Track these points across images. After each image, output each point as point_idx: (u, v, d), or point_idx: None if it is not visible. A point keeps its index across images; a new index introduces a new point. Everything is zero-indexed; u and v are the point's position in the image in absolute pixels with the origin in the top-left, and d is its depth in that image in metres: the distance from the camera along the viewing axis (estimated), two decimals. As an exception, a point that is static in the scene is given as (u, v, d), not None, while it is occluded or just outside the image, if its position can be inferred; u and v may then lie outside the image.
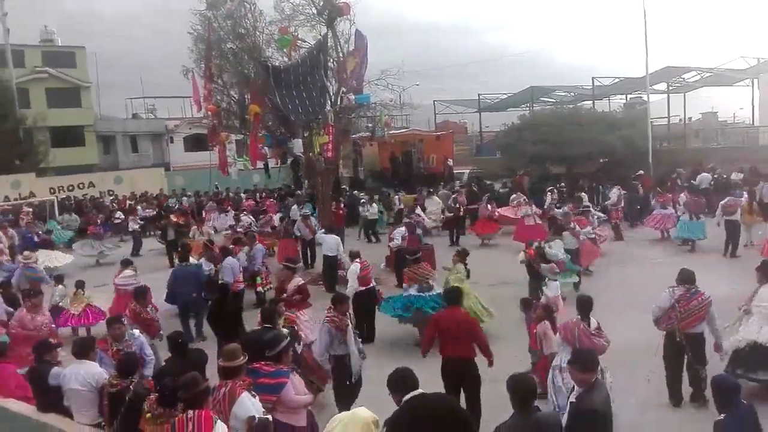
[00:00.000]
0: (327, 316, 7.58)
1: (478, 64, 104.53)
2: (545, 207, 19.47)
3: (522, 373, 4.69)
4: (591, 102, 36.88)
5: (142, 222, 23.41)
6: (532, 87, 36.78)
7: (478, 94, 41.82)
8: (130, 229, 22.41)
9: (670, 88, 35.33)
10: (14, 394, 6.88)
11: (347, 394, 7.38)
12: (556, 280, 9.90)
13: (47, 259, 16.40)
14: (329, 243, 14.57)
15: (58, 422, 6.16)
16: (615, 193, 19.82)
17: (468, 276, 10.68)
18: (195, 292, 11.53)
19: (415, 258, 10.91)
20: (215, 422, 4.80)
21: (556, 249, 11.66)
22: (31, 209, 26.26)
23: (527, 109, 38.72)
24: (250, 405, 5.14)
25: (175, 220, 19.79)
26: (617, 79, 35.63)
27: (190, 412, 4.81)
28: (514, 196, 20.82)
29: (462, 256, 10.91)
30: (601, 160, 28.12)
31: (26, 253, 14.05)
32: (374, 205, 21.83)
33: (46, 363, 6.65)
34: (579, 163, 27.39)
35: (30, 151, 35.42)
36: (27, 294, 9.51)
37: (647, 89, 29.44)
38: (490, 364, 6.94)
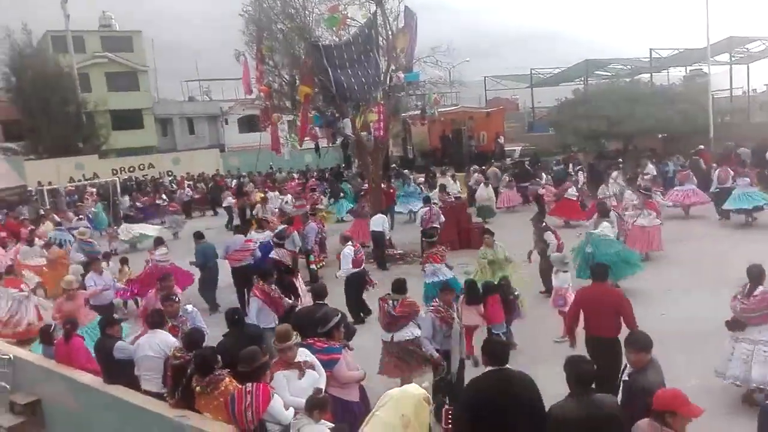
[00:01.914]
0: (433, 306, 7.20)
1: (530, 39, 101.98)
2: (579, 186, 19.26)
3: (578, 355, 4.68)
4: (648, 75, 35.60)
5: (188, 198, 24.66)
6: (586, 60, 35.72)
7: (531, 69, 40.91)
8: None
9: (733, 59, 33.71)
10: (84, 367, 7.24)
11: (444, 392, 6.79)
12: (566, 272, 9.46)
13: (142, 229, 19.49)
14: (375, 219, 14.85)
15: (123, 393, 6.46)
16: (652, 168, 19.19)
17: (504, 256, 10.31)
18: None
19: (432, 241, 10.97)
20: (272, 396, 5.00)
21: (606, 231, 11.29)
22: (95, 190, 27.42)
23: (581, 83, 37.73)
24: (283, 383, 5.29)
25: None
26: (676, 51, 34.19)
27: (249, 384, 5.03)
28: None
29: (488, 238, 10.66)
30: (660, 136, 27.24)
31: (81, 230, 15.47)
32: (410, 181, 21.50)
33: (110, 337, 6.97)
34: (636, 138, 26.61)
35: (92, 134, 36.85)
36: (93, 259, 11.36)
37: (708, 60, 28.19)
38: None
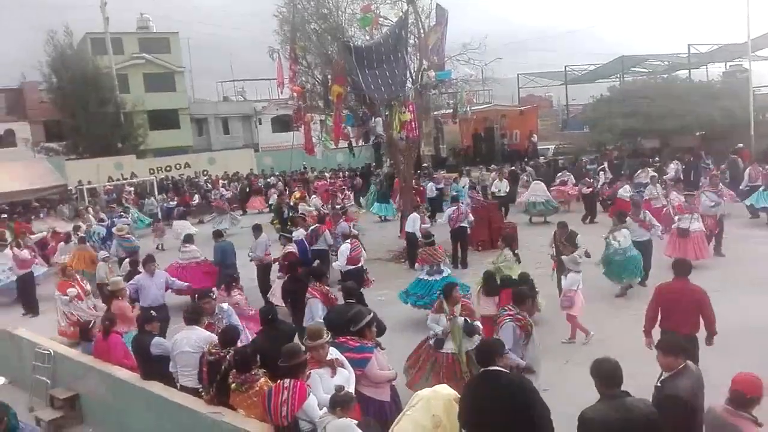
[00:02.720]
0: (510, 314, 6.37)
1: (565, 35, 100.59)
2: (599, 186, 19.06)
3: (604, 357, 4.61)
4: (687, 71, 34.81)
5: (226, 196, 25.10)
6: (622, 56, 35.11)
7: (565, 66, 40.39)
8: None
9: (776, 53, 32.78)
10: (122, 362, 7.42)
11: None
12: (579, 272, 9.22)
13: (185, 228, 18.74)
14: (408, 220, 14.84)
15: (161, 390, 6.60)
16: (673, 168, 18.76)
17: (518, 261, 10.34)
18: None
19: (430, 241, 11.03)
20: (308, 395, 5.06)
21: (622, 240, 10.97)
22: (132, 189, 28.03)
23: (617, 80, 37.09)
24: (318, 381, 5.33)
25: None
26: (716, 46, 33.40)
27: (287, 380, 5.10)
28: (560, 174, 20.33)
29: (507, 241, 10.78)
30: (698, 134, 26.64)
31: (119, 226, 15.86)
32: (505, 181, 20.63)
33: (148, 333, 7.12)
34: (674, 136, 26.07)
35: (130, 134, 37.66)
36: (146, 260, 10.78)
37: (749, 55, 27.44)
38: (710, 342, 6.62)
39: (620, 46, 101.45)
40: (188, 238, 13.72)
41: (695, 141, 26.96)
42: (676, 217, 12.86)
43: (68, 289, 10.95)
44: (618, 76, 37.41)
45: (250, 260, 12.78)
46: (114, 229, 16.06)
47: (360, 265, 11.46)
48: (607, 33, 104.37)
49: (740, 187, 16.99)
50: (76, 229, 16.74)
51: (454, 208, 14.96)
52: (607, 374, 4.31)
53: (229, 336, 6.28)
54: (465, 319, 6.95)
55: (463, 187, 21.01)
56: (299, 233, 13.40)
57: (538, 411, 4.46)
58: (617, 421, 4.06)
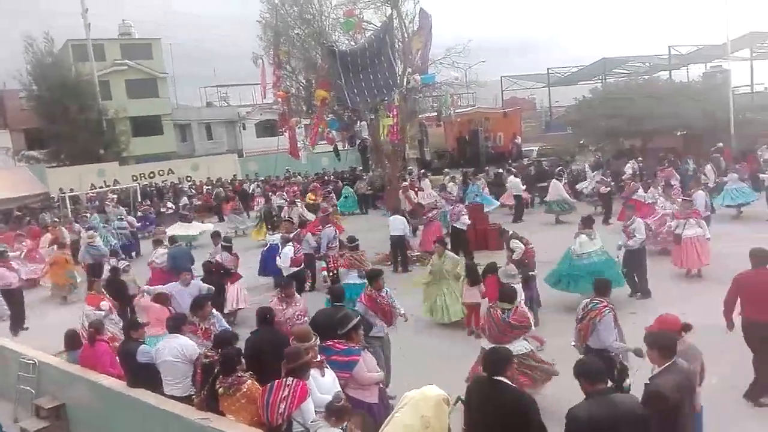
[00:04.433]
0: (605, 305, 6.51)
1: (546, 38, 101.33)
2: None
3: (585, 356, 4.65)
4: (667, 72, 35.25)
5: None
6: (604, 58, 35.51)
7: (548, 68, 40.75)
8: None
9: (754, 54, 33.29)
10: (108, 371, 7.35)
11: None
12: (518, 283, 8.89)
13: (186, 229, 19.56)
14: (395, 223, 14.82)
15: (146, 396, 6.55)
16: (629, 166, 18.98)
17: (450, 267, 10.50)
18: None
19: (354, 245, 11.77)
20: (308, 396, 5.08)
21: (578, 246, 10.70)
22: (115, 196, 27.75)
23: (599, 81, 37.42)
24: (311, 382, 5.34)
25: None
26: (695, 47, 33.86)
27: (290, 379, 5.11)
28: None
29: (440, 246, 10.90)
30: (679, 134, 26.91)
31: (90, 233, 15.88)
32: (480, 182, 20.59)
33: (134, 341, 7.06)
34: (655, 137, 26.32)
35: (113, 141, 37.33)
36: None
37: (728, 57, 27.84)
38: None
39: (603, 49, 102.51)
40: (172, 240, 13.80)
41: (677, 141, 27.26)
42: (673, 223, 12.44)
43: (101, 302, 10.28)
44: (600, 77, 37.79)
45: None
46: (83, 236, 16.10)
47: (302, 266, 12.09)
48: (589, 36, 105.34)
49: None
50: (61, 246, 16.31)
51: (452, 207, 15.06)
52: (590, 372, 4.37)
53: (224, 338, 6.30)
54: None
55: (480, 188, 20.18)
56: (275, 237, 13.63)
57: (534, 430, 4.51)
58: (604, 417, 4.10)
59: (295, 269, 11.77)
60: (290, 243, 12.24)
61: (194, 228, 20.24)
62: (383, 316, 7.65)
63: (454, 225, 14.83)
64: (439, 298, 10.44)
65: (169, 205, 25.88)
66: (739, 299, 6.94)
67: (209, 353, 6.12)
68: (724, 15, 25.95)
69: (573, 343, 6.84)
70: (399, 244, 14.74)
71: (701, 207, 13.42)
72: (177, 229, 19.30)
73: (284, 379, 5.14)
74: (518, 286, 8.66)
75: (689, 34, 76.08)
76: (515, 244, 10.12)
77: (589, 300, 6.75)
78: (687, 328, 5.54)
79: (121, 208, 23.35)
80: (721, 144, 22.24)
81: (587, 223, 11.09)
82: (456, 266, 10.61)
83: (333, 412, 4.77)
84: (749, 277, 6.97)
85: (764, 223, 15.78)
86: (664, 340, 4.85)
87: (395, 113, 14.68)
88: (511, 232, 10.75)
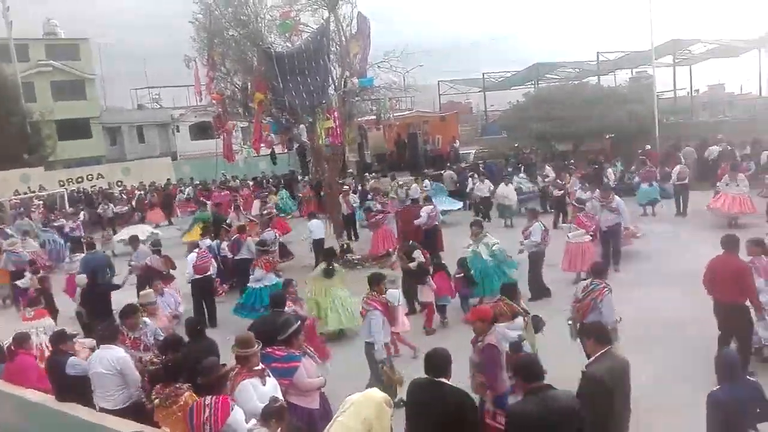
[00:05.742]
0: (606, 285, 7.17)
1: (482, 43, 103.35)
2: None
3: (524, 354, 4.79)
4: (596, 77, 36.55)
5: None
6: (537, 64, 36.44)
7: (483, 73, 41.44)
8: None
9: (677, 60, 34.92)
10: (35, 385, 7.01)
11: None
12: (397, 288, 8.91)
13: (132, 232, 18.29)
14: (315, 226, 15.20)
15: (76, 411, 6.27)
16: (550, 169, 19.86)
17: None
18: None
19: (265, 249, 12.00)
20: (232, 408, 4.93)
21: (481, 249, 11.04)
22: (41, 202, 26.52)
23: (532, 86, 38.43)
24: (251, 391, 5.25)
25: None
26: (622, 54, 35.24)
27: (208, 398, 4.95)
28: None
29: (328, 257, 11.08)
30: (608, 136, 27.93)
31: (11, 240, 15.50)
32: (487, 181, 20.29)
33: (63, 353, 6.77)
34: (585, 139, 27.22)
35: (38, 145, 35.71)
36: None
37: (653, 62, 29.12)
38: (757, 310, 7.33)
39: (536, 54, 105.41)
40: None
41: (606, 144, 28.28)
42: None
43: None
44: (533, 82, 38.79)
45: (129, 272, 12.30)
46: (5, 243, 15.45)
47: (209, 274, 11.79)
48: (522, 42, 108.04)
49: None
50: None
51: (432, 207, 15.03)
52: (524, 369, 4.50)
53: (169, 343, 6.14)
54: (535, 315, 6.67)
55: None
56: (205, 242, 13.42)
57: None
58: (538, 413, 4.24)
59: (199, 277, 11.56)
60: (195, 250, 12.11)
61: (146, 229, 19.96)
62: (391, 320, 7.74)
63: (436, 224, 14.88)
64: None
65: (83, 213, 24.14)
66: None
67: (155, 360, 5.91)
68: (649, 23, 26.92)
69: (569, 322, 7.26)
70: (320, 246, 14.87)
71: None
72: (134, 230, 18.83)
73: (203, 399, 4.96)
74: (396, 292, 8.44)
75: (616, 41, 79.25)
76: (418, 254, 10.54)
77: (589, 281, 7.34)
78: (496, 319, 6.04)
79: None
80: (648, 146, 23.17)
81: (479, 226, 11.66)
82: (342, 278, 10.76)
83: (272, 413, 4.68)
84: (717, 261, 7.54)
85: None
86: (598, 330, 5.07)
87: (336, 116, 14.65)
88: (411, 242, 11.37)
